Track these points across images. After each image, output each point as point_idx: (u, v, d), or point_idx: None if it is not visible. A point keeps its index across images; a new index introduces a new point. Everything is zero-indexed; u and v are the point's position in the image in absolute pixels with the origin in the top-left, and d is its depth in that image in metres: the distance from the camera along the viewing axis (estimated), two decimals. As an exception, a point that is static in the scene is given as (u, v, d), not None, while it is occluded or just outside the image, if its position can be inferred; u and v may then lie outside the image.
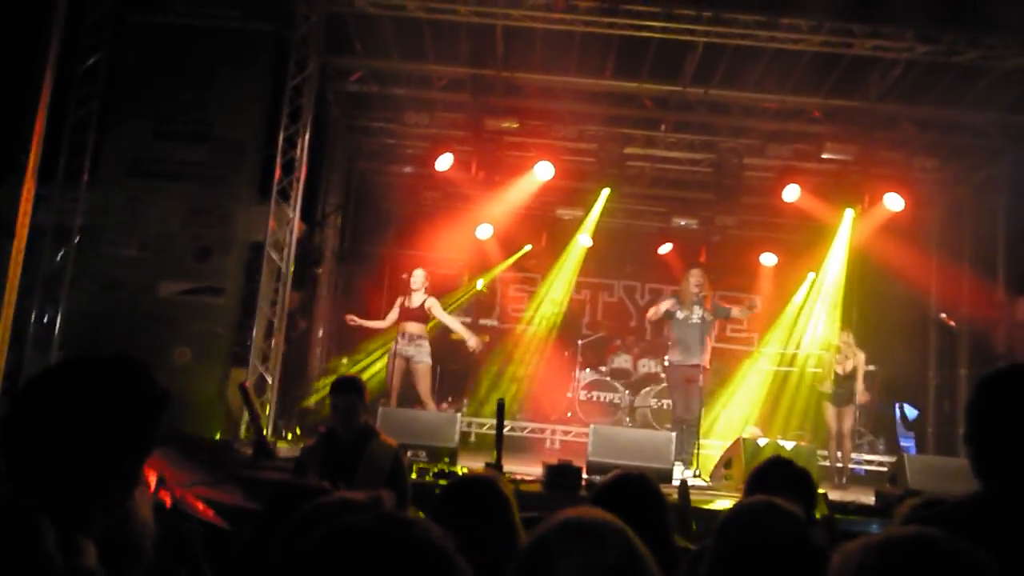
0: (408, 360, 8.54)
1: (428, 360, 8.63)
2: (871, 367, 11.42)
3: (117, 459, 1.51)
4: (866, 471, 10.20)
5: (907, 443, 12.07)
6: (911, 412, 12.57)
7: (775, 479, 2.73)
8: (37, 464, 1.41)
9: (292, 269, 8.79)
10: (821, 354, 9.93)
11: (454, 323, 9.24)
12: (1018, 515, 1.70)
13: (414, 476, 5.83)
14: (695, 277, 8.40)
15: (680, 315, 8.29)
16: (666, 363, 8.51)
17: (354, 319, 9.01)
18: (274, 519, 2.12)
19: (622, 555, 1.20)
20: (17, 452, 1.43)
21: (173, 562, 2.45)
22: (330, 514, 1.91)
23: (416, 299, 8.70)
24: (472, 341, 9.03)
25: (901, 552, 1.03)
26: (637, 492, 2.61)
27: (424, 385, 8.58)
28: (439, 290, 11.79)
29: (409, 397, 8.83)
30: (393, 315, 8.74)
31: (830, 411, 9.28)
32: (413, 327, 8.60)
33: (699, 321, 8.24)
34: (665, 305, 8.44)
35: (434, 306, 8.70)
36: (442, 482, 5.89)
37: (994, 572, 1.00)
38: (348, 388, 4.56)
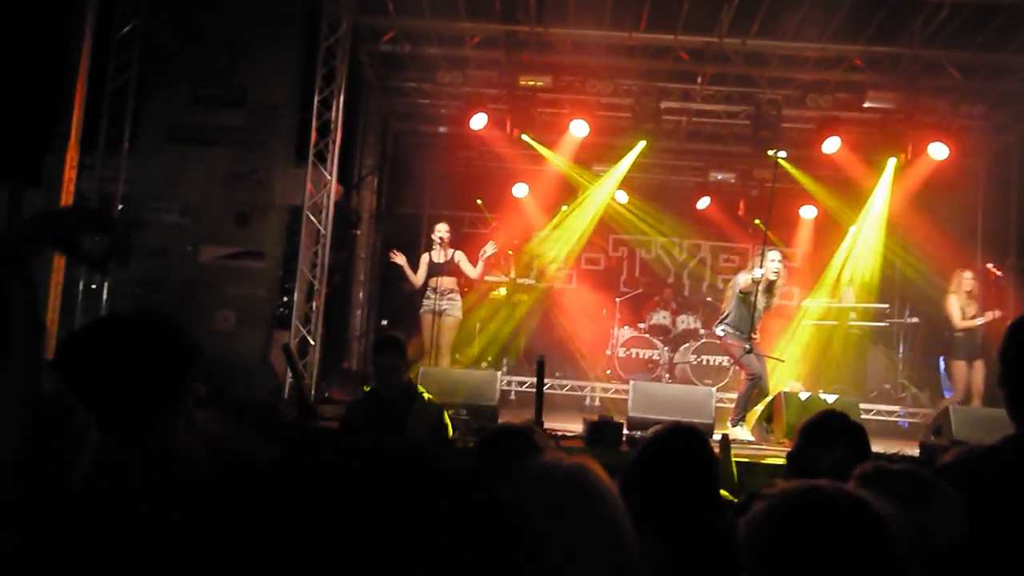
0: (440, 314, 8.60)
1: (458, 314, 8.68)
2: (914, 319, 11.29)
3: (152, 411, 1.57)
4: (909, 424, 10.11)
5: (951, 395, 11.92)
6: (955, 364, 12.39)
7: (829, 432, 2.71)
8: (96, 402, 1.47)
9: (331, 231, 8.86)
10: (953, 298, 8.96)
11: (474, 271, 9.02)
12: None
13: (455, 433, 5.90)
14: (773, 261, 7.79)
15: (752, 298, 7.72)
16: (721, 332, 8.11)
17: (396, 254, 8.94)
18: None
19: (595, 505, 1.18)
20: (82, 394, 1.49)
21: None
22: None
23: (443, 254, 8.73)
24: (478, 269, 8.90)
25: (788, 507, 1.05)
26: (688, 444, 2.62)
27: (448, 337, 8.63)
28: (476, 248, 11.87)
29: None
30: (422, 272, 8.74)
31: (959, 367, 8.91)
32: (445, 281, 8.61)
33: (761, 307, 7.80)
34: (757, 275, 7.65)
35: (462, 260, 8.73)
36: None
37: (882, 523, 1.01)
38: (390, 346, 4.62)
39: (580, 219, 12.43)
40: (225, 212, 8.41)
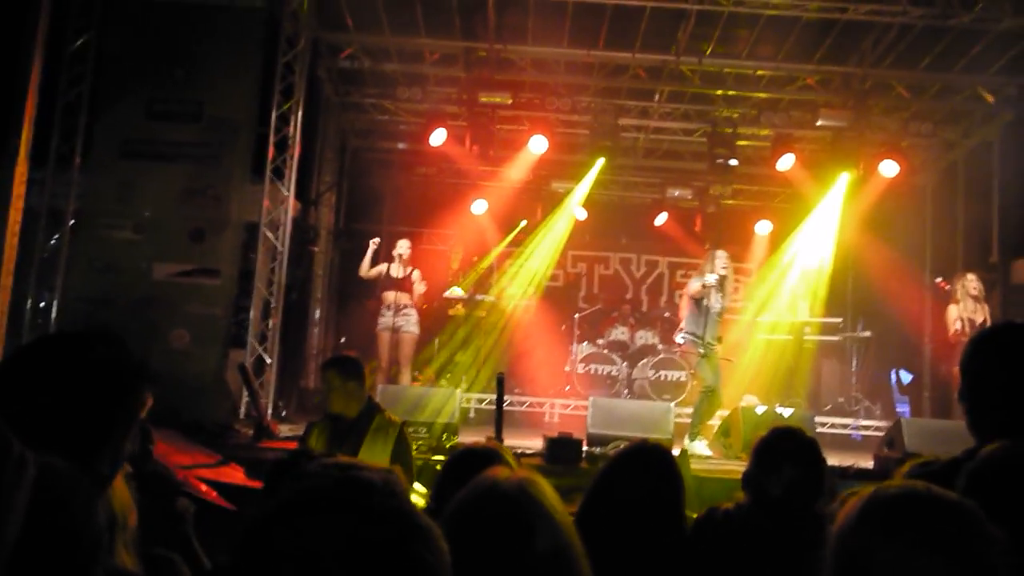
0: (396, 331, 8.60)
1: (415, 330, 8.72)
2: (867, 333, 11.50)
3: (99, 433, 1.51)
4: (863, 436, 10.27)
5: (903, 408, 12.16)
6: (906, 377, 12.65)
7: (783, 449, 2.74)
8: (36, 431, 1.38)
9: (288, 248, 8.78)
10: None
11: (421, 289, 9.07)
12: (1011, 468, 1.73)
13: (415, 452, 5.86)
14: (720, 260, 7.85)
15: (705, 301, 7.80)
16: (681, 340, 8.15)
17: (376, 242, 8.96)
18: (273, 493, 2.13)
19: (539, 521, 1.16)
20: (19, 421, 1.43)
21: (165, 540, 2.46)
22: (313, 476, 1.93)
23: (401, 269, 8.74)
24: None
25: (888, 504, 1.04)
26: (652, 464, 2.61)
27: (407, 353, 8.66)
28: (434, 266, 11.84)
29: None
30: (375, 273, 8.75)
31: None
32: (401, 297, 8.64)
33: (718, 307, 7.88)
34: (709, 280, 7.71)
35: (417, 277, 8.78)
36: (441, 457, 5.93)
37: (981, 519, 1.01)
38: (332, 365, 4.57)
39: (542, 239, 12.47)
40: (180, 229, 8.26)
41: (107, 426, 1.53)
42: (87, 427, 1.49)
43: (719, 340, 8.14)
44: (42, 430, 1.41)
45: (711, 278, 7.73)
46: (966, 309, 8.05)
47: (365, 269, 8.88)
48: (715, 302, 7.87)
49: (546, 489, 1.19)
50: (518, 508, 1.14)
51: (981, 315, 8.06)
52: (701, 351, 7.80)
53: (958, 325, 8.03)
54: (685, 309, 8.20)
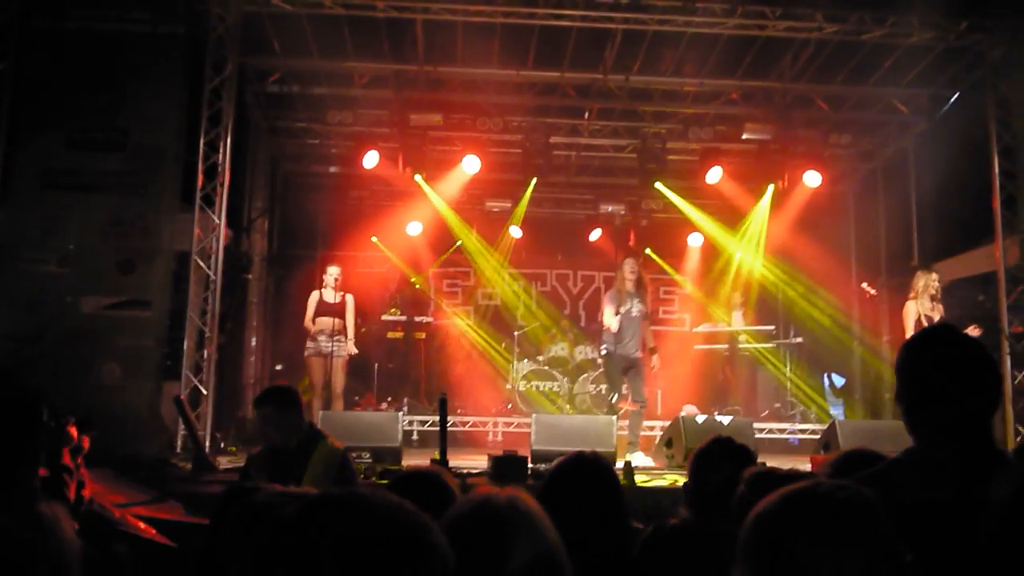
0: (328, 356, 8.55)
1: (346, 355, 8.72)
2: (799, 339, 11.81)
3: (4, 470, 1.48)
4: (800, 440, 10.51)
5: (836, 410, 12.48)
6: (838, 380, 13.00)
7: (718, 456, 2.82)
8: None
9: (221, 277, 8.62)
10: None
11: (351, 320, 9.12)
12: (948, 466, 1.81)
13: (360, 478, 5.80)
14: (629, 267, 8.33)
15: (622, 308, 8.19)
16: (603, 351, 8.48)
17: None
18: (226, 524, 2.09)
19: (530, 538, 1.18)
20: None
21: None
22: (271, 505, 1.92)
23: (333, 295, 8.71)
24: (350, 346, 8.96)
25: (797, 500, 1.07)
26: (592, 473, 2.65)
27: (340, 379, 8.63)
28: (371, 289, 11.76)
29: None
30: (311, 313, 8.71)
31: None
32: (336, 323, 8.61)
33: (637, 314, 8.25)
34: (609, 310, 8.24)
35: (350, 302, 8.76)
36: (384, 482, 5.88)
37: (880, 515, 1.05)
38: (265, 400, 4.49)
39: (479, 259, 12.52)
40: (108, 260, 8.06)
41: (12, 462, 1.50)
42: None
43: (653, 350, 8.52)
44: None
45: (611, 309, 8.21)
46: (923, 306, 7.88)
47: (309, 319, 8.81)
48: (635, 308, 8.25)
49: (532, 504, 1.22)
50: (509, 521, 1.16)
51: (937, 313, 7.93)
52: (603, 351, 8.39)
53: (917, 321, 7.84)
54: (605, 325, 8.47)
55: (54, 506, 1.73)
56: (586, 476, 2.61)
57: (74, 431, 3.95)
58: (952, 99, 10.10)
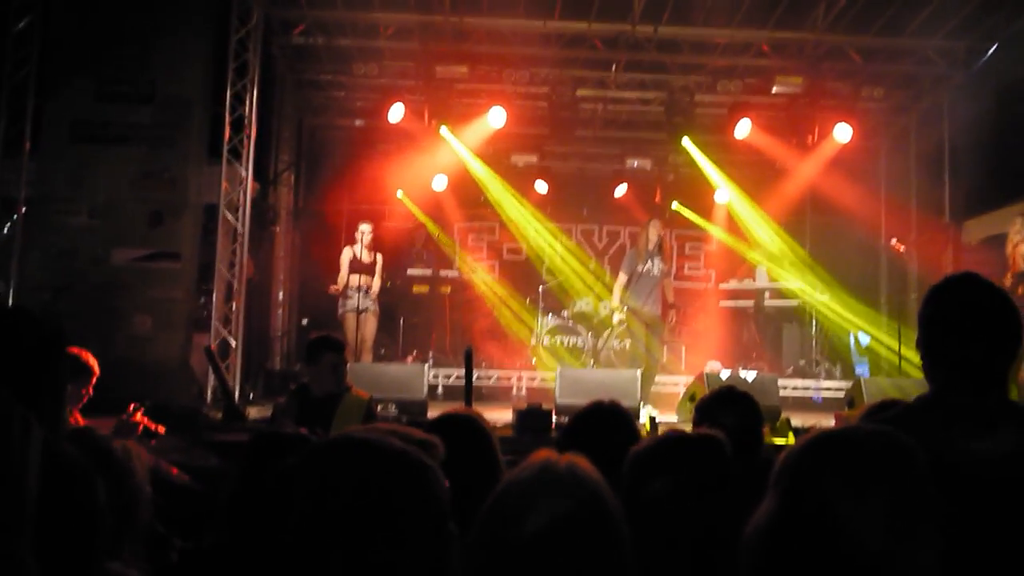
0: (362, 312, 8.65)
1: (377, 310, 8.92)
2: (825, 296, 11.72)
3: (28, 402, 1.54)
4: (823, 398, 10.49)
5: (861, 368, 12.42)
6: (864, 338, 12.92)
7: (720, 406, 2.88)
8: None
9: (248, 230, 8.69)
10: None
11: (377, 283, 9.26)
12: (960, 412, 1.80)
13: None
14: (654, 227, 8.56)
15: (640, 267, 8.44)
16: (624, 307, 8.61)
17: (337, 289, 9.02)
18: (255, 468, 2.14)
19: (591, 509, 1.20)
20: None
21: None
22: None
23: (366, 252, 8.77)
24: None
25: (830, 441, 1.07)
26: (609, 421, 2.68)
27: (370, 333, 8.77)
28: (396, 242, 11.80)
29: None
30: (344, 271, 8.81)
31: None
32: (365, 280, 8.72)
33: (657, 273, 8.46)
34: (623, 277, 8.57)
35: (379, 263, 8.86)
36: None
37: (918, 457, 1.04)
38: (333, 347, 4.60)
39: (503, 211, 12.49)
40: (137, 213, 8.14)
41: (34, 393, 1.54)
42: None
43: (672, 305, 8.78)
44: None
45: (623, 279, 8.54)
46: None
47: (342, 278, 8.93)
48: (655, 267, 8.45)
49: (592, 470, 1.25)
50: (572, 481, 1.19)
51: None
52: (618, 316, 8.67)
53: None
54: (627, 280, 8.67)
55: (129, 443, 1.79)
56: (605, 424, 2.64)
57: (143, 419, 4.11)
58: (990, 51, 9.83)
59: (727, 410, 2.88)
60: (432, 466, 1.19)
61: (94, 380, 4.33)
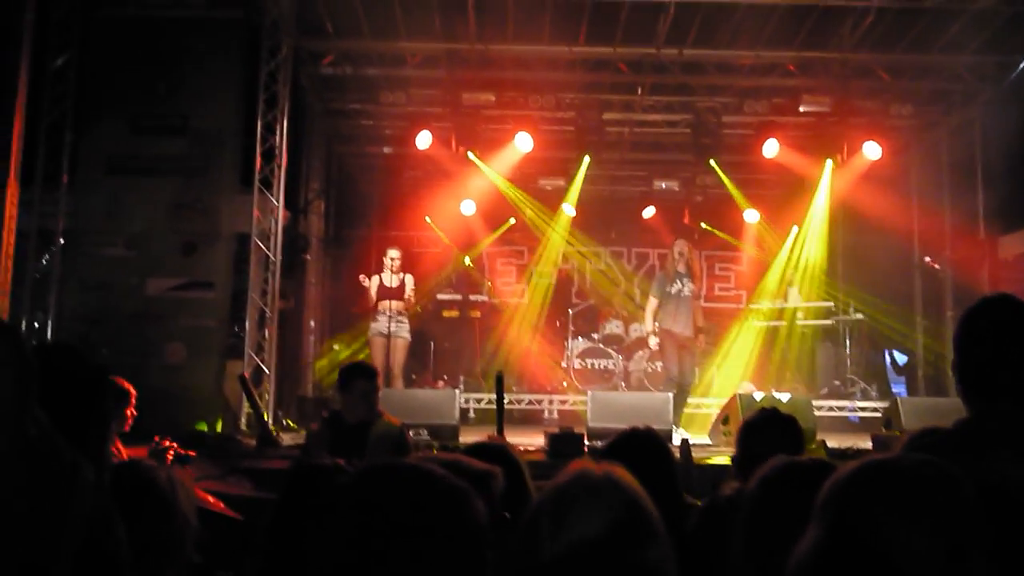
0: (391, 337, 8.65)
1: (408, 336, 8.83)
2: (859, 315, 11.59)
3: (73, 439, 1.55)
4: (860, 418, 10.34)
5: (898, 388, 12.25)
6: (900, 357, 12.75)
7: (765, 428, 2.83)
8: None
9: (280, 258, 8.79)
10: None
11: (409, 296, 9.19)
12: (1001, 436, 1.77)
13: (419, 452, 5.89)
14: (679, 247, 8.53)
15: (671, 289, 8.37)
16: (656, 327, 8.53)
17: (365, 279, 8.99)
18: (294, 499, 2.15)
19: (628, 510, 1.21)
20: None
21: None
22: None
23: (393, 278, 8.79)
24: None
25: (878, 470, 1.05)
26: (646, 447, 2.66)
27: (400, 359, 8.74)
28: (425, 268, 11.86)
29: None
30: (373, 294, 8.81)
31: None
32: (395, 305, 8.72)
33: (688, 294, 8.37)
34: (652, 302, 8.50)
35: (409, 283, 8.83)
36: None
37: (967, 487, 1.02)
38: (366, 374, 4.63)
39: (531, 235, 12.52)
40: (171, 243, 8.28)
41: (81, 430, 1.56)
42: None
43: (701, 329, 8.63)
44: None
45: (653, 303, 8.48)
46: None
47: (370, 300, 8.93)
48: (686, 289, 8.37)
49: (627, 476, 1.27)
50: (606, 491, 1.21)
51: None
52: (653, 336, 8.51)
53: None
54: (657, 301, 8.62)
55: (175, 471, 1.81)
56: (640, 450, 2.62)
57: (174, 444, 4.20)
58: (1021, 65, 9.73)
59: (772, 435, 2.82)
60: (469, 491, 1.20)
61: (133, 401, 4.40)
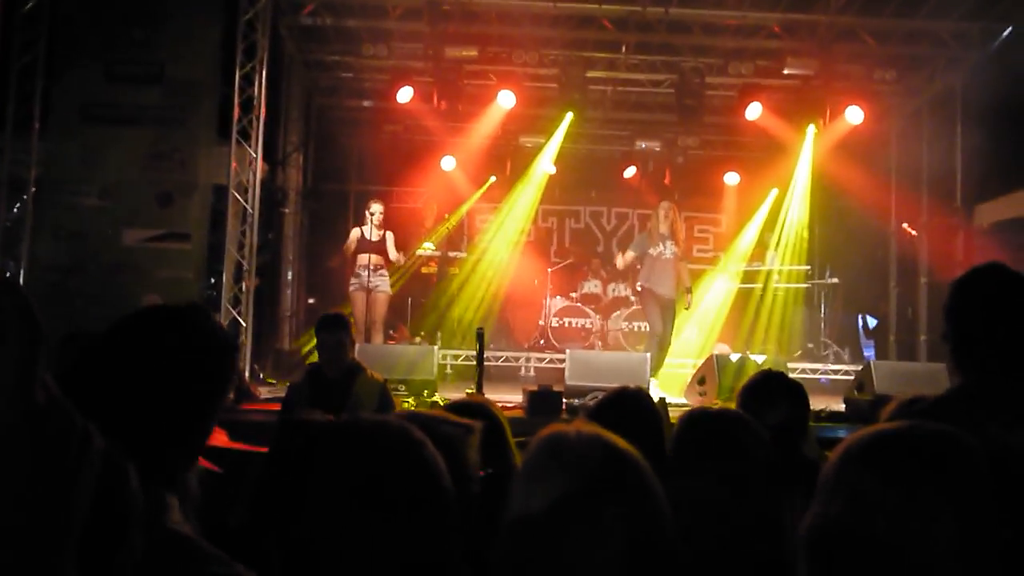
0: (371, 291, 8.61)
1: (388, 290, 8.79)
2: (834, 280, 11.71)
3: (196, 410, 1.42)
4: (830, 380, 10.48)
5: (869, 352, 12.42)
6: (872, 321, 12.92)
7: (770, 391, 2.82)
8: (115, 417, 1.27)
9: (258, 210, 8.69)
10: None
11: (395, 255, 9.12)
12: (994, 403, 1.80)
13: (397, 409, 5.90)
14: (663, 210, 8.47)
15: (652, 251, 8.35)
16: (639, 287, 8.58)
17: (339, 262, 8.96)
18: (284, 454, 2.15)
19: (609, 461, 1.20)
20: (94, 404, 1.26)
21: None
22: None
23: (375, 232, 8.71)
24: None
25: (889, 440, 1.05)
26: (634, 408, 2.67)
27: (380, 313, 8.70)
28: (405, 224, 11.78)
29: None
30: (351, 246, 8.73)
31: None
32: (375, 259, 8.65)
33: (670, 256, 8.36)
34: (630, 255, 8.54)
35: (390, 239, 8.76)
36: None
37: (979, 453, 1.03)
38: (336, 325, 4.59)
39: (513, 195, 12.45)
40: (147, 193, 8.15)
41: (202, 401, 1.42)
42: (184, 402, 1.38)
43: (688, 289, 8.64)
44: (141, 405, 1.34)
45: (630, 255, 8.56)
46: None
47: (348, 252, 8.85)
48: (668, 250, 8.35)
49: (604, 432, 1.26)
50: (584, 444, 1.20)
51: None
52: (638, 287, 8.63)
53: None
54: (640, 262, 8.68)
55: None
56: (630, 410, 2.64)
57: None
58: (1005, 33, 9.74)
59: (782, 400, 2.79)
60: (424, 442, 1.18)
61: None
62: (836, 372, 10.56)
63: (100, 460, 0.91)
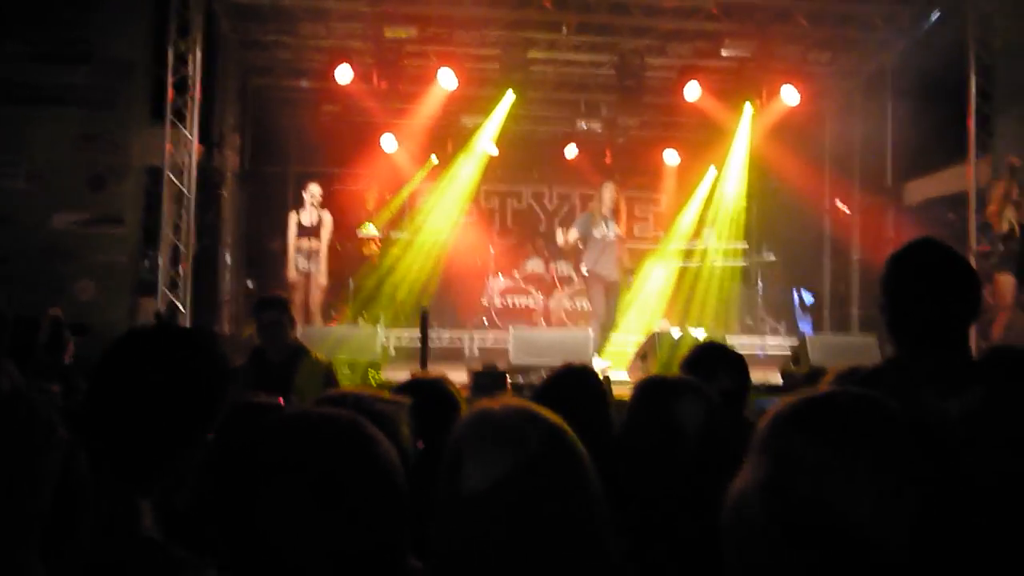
0: (308, 276, 8.56)
1: (324, 274, 8.80)
2: (772, 257, 11.98)
3: (189, 428, 1.49)
4: (767, 354, 10.74)
5: (805, 326, 12.74)
6: (807, 297, 13.24)
7: (712, 362, 2.88)
8: (114, 428, 1.39)
9: (195, 193, 8.53)
10: None
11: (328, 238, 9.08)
12: (928, 373, 1.88)
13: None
14: (608, 191, 8.53)
15: (596, 233, 8.40)
16: (586, 272, 8.63)
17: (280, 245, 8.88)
18: (230, 435, 2.14)
19: (543, 442, 1.19)
20: (97, 416, 1.40)
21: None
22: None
23: (313, 214, 8.65)
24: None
25: (816, 405, 1.08)
26: (580, 384, 2.72)
27: (317, 299, 8.67)
28: (345, 205, 11.67)
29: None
30: (292, 236, 8.66)
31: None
32: (312, 243, 8.60)
33: (613, 237, 8.43)
34: (574, 233, 8.55)
35: (328, 221, 8.71)
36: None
37: (902, 419, 1.06)
38: (273, 305, 4.54)
39: (455, 175, 12.41)
40: (77, 176, 7.94)
41: (197, 420, 1.49)
42: (180, 420, 1.46)
43: (629, 271, 8.67)
44: (141, 419, 1.41)
45: (573, 234, 8.57)
46: None
47: (291, 243, 8.75)
48: (610, 232, 8.42)
49: (531, 405, 1.27)
50: (528, 419, 1.21)
51: None
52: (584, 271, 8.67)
53: None
54: (581, 243, 8.74)
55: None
56: (576, 387, 2.68)
57: None
58: (933, 16, 10.02)
59: (723, 369, 2.85)
60: (376, 437, 1.19)
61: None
62: (772, 346, 10.82)
63: (64, 448, 0.91)
